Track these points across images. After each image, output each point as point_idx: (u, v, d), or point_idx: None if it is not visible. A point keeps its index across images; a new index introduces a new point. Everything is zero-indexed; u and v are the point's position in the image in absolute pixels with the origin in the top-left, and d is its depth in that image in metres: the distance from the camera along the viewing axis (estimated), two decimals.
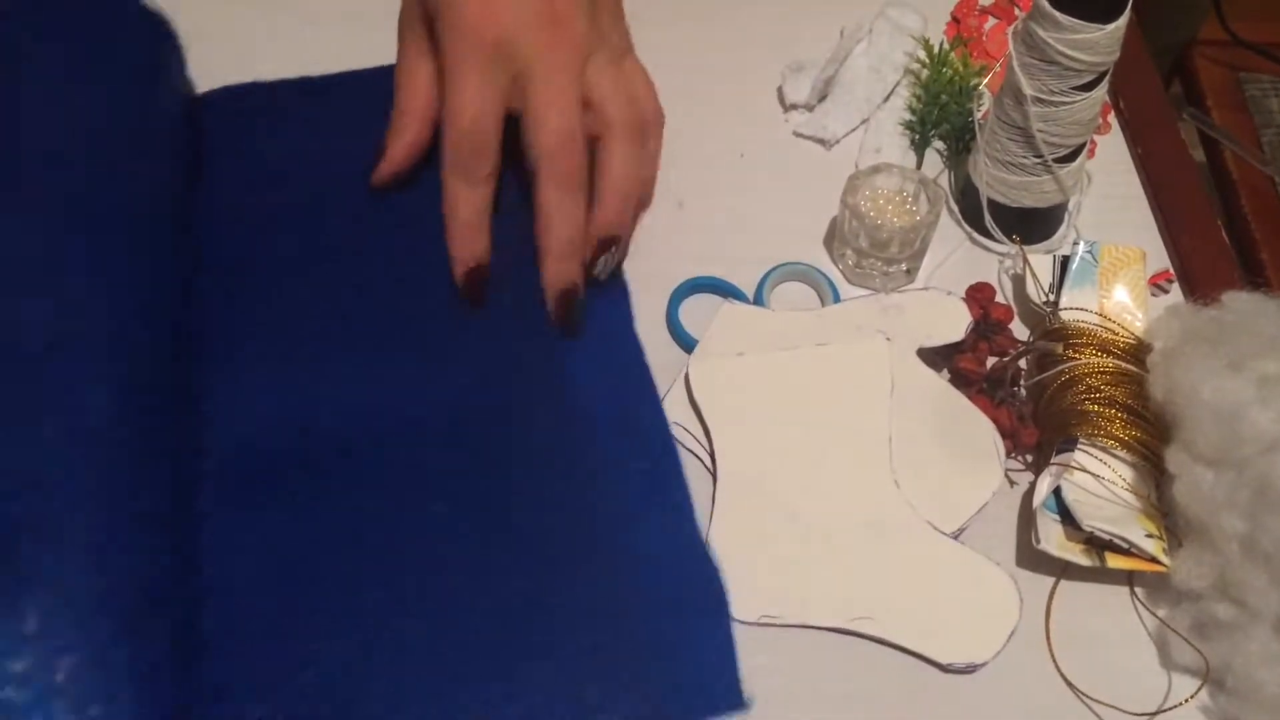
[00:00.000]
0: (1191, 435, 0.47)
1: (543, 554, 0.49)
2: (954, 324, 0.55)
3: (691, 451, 0.53)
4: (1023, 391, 0.55)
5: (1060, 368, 0.53)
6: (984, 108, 0.61)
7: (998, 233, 0.60)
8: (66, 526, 0.41)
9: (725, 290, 0.58)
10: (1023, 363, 0.55)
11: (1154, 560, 0.48)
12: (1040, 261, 0.57)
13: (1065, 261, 0.56)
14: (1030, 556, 0.50)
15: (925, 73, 0.66)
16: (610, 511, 0.50)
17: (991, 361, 0.56)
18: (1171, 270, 0.61)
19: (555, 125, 0.53)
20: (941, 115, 0.64)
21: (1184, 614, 0.48)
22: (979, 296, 0.57)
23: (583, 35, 0.54)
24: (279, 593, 0.47)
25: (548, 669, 0.46)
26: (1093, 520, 0.48)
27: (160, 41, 0.58)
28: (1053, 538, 0.49)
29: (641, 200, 0.59)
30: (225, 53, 0.64)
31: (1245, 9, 0.96)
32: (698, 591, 0.48)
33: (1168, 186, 0.64)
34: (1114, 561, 0.49)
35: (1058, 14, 0.51)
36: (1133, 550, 0.48)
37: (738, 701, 0.46)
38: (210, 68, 0.63)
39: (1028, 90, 0.54)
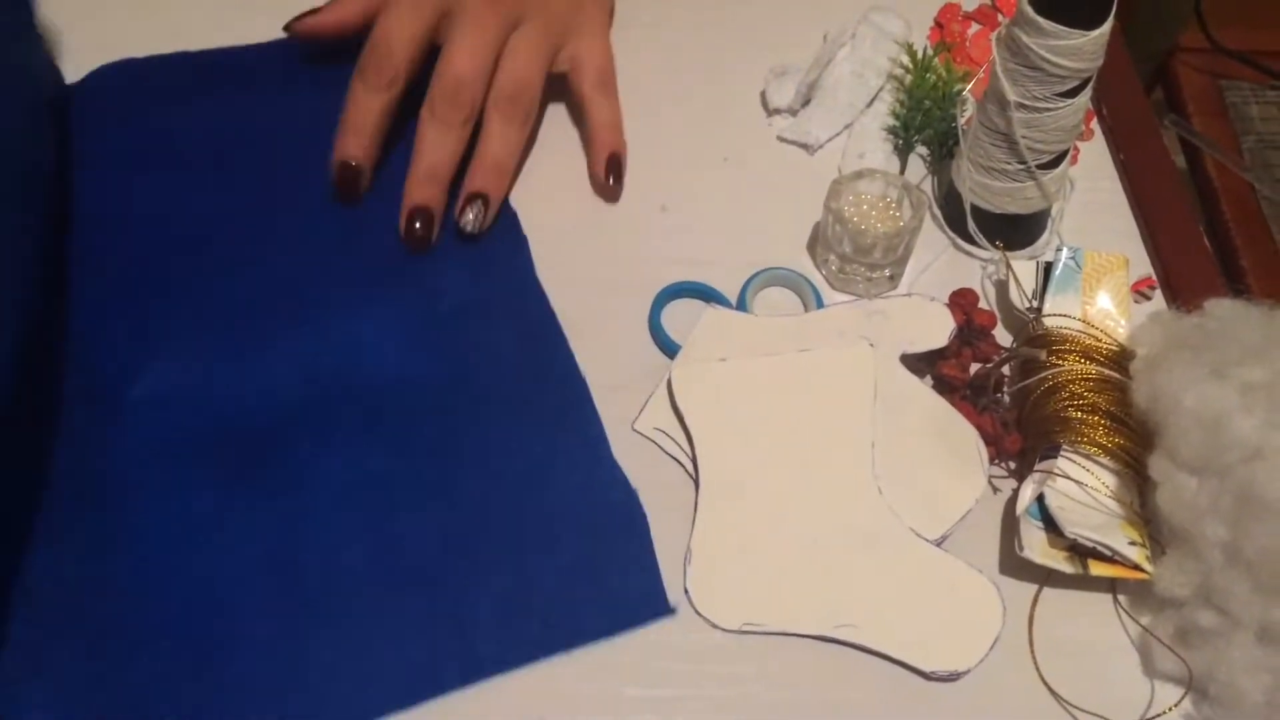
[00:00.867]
0: (1174, 442, 0.47)
1: (467, 497, 0.51)
2: (938, 330, 0.54)
3: (673, 457, 0.53)
4: (1006, 398, 0.55)
5: (1043, 374, 0.53)
6: (967, 113, 0.60)
7: (981, 239, 0.60)
8: None
9: (708, 295, 0.58)
10: (1006, 369, 0.55)
11: (1137, 568, 0.48)
12: (1023, 267, 0.57)
13: (1049, 267, 0.56)
14: (1013, 564, 0.50)
15: (909, 78, 0.65)
16: (527, 451, 0.52)
17: (975, 368, 0.55)
18: (1154, 277, 0.61)
19: (455, 70, 0.57)
20: (925, 121, 0.64)
21: (1167, 621, 0.48)
22: (962, 302, 0.57)
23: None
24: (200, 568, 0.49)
25: (483, 605, 0.48)
26: (1076, 527, 0.48)
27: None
28: (1036, 545, 0.49)
29: (515, 171, 0.61)
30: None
31: (1227, 16, 0.97)
32: (616, 515, 0.51)
33: (1150, 193, 0.64)
34: (1097, 569, 0.49)
35: (1042, 20, 0.51)
36: (1116, 557, 0.48)
37: (663, 608, 0.49)
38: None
39: (1011, 96, 0.54)
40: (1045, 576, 0.50)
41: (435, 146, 0.57)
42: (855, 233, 0.56)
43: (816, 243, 0.60)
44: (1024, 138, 0.55)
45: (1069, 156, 0.58)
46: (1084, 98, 0.55)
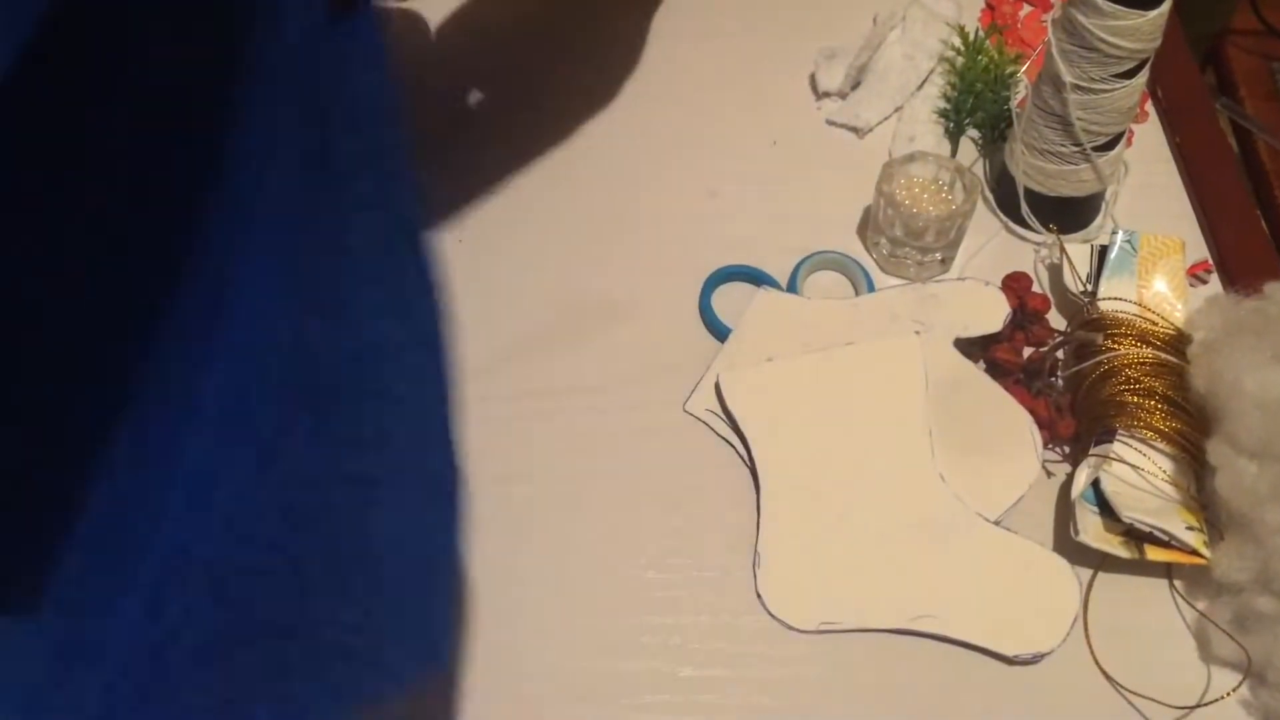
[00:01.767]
0: (1234, 427, 0.47)
1: None
2: (992, 314, 0.54)
3: (724, 439, 0.53)
4: (1060, 382, 0.54)
5: (1099, 358, 0.52)
6: (1020, 95, 0.60)
7: (1034, 222, 0.59)
8: None
9: (759, 278, 0.58)
10: (1060, 353, 0.55)
11: (1194, 553, 0.48)
12: (1077, 251, 0.57)
13: (1103, 251, 0.56)
14: (1068, 548, 0.50)
15: (960, 60, 0.65)
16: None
17: (1028, 351, 0.55)
18: (1210, 260, 0.60)
19: None
20: (977, 103, 0.63)
21: (1224, 607, 0.48)
22: (1015, 286, 0.57)
23: None
24: None
25: None
26: (1132, 512, 0.48)
27: None
28: (1091, 529, 0.49)
29: None
30: None
31: None
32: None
33: (1206, 176, 0.63)
34: (1153, 554, 0.48)
35: (1100, 0, 0.51)
36: (1172, 542, 0.48)
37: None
38: None
39: (1067, 78, 0.54)
40: (1100, 561, 0.50)
41: None
42: (907, 216, 0.55)
43: (867, 226, 0.60)
44: (1079, 119, 0.55)
45: (1124, 139, 0.58)
46: (1141, 79, 0.54)
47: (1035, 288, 0.58)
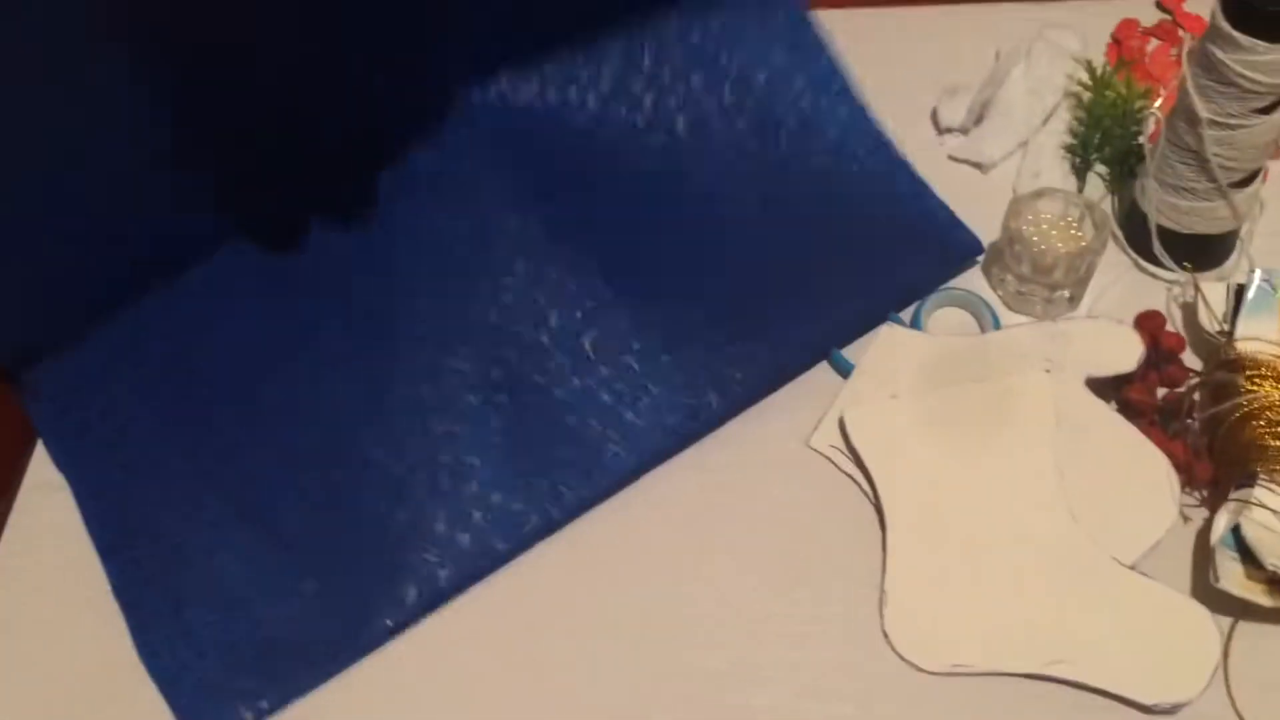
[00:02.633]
0: None
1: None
2: (1126, 354, 0.53)
3: (848, 475, 0.53)
4: (1196, 424, 0.53)
5: (1238, 400, 0.51)
6: (1150, 131, 0.59)
7: (1167, 259, 0.58)
8: None
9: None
10: (1195, 394, 0.54)
11: None
12: (1213, 290, 0.55)
13: (1240, 290, 0.54)
14: (1207, 596, 0.48)
15: (1087, 95, 0.64)
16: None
17: (1162, 392, 0.54)
18: None
19: None
20: (1104, 139, 0.62)
21: None
22: (1149, 325, 0.55)
23: None
24: None
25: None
26: (1276, 559, 0.46)
27: None
28: (1232, 576, 0.47)
29: None
30: None
31: None
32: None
33: None
34: None
35: (1238, 34, 0.50)
36: None
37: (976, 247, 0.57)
38: None
39: (1203, 113, 0.53)
40: (1241, 609, 0.48)
41: None
42: (1036, 253, 0.55)
43: (992, 262, 0.59)
44: (1215, 155, 0.54)
45: (1261, 175, 0.56)
46: (1279, 114, 0.53)
47: (1169, 326, 0.56)
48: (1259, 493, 0.49)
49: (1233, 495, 0.49)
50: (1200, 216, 0.56)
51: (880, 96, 0.67)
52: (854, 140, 0.60)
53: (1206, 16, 0.51)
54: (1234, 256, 0.60)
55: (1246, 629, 0.48)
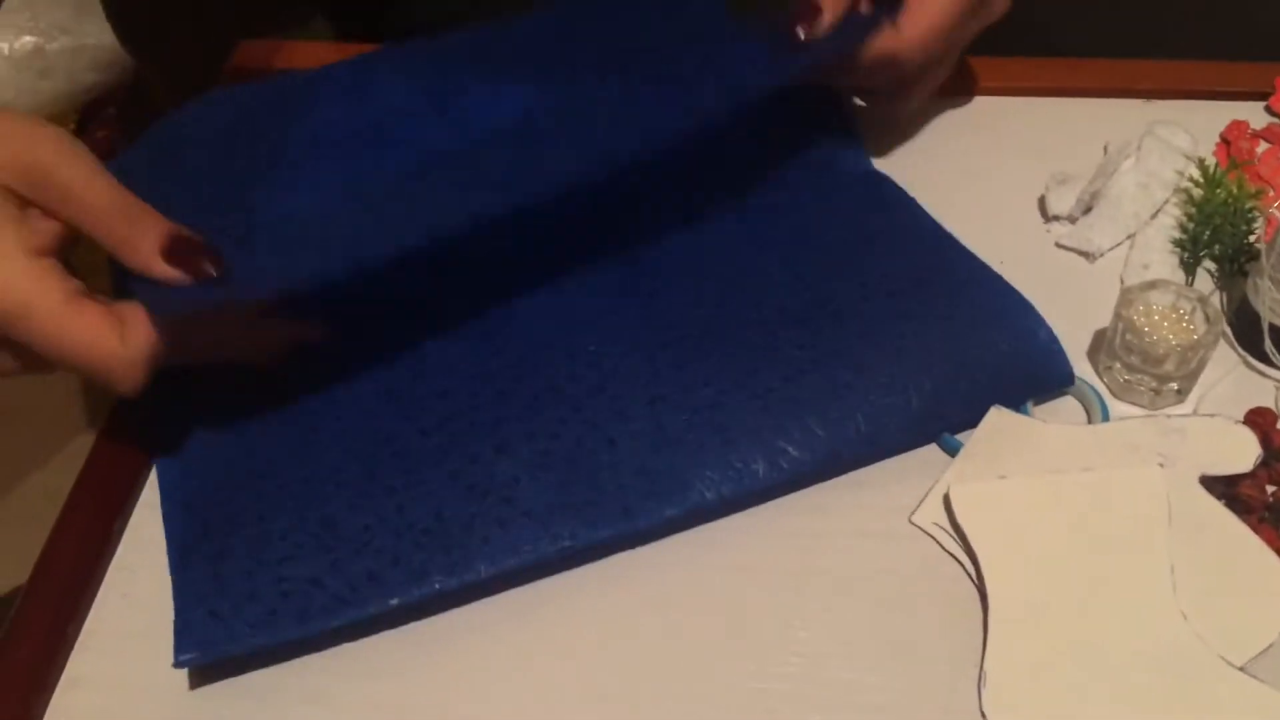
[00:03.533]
0: None
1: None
2: (1241, 453, 0.53)
3: (952, 555, 0.53)
4: None
5: None
6: (1263, 230, 0.59)
7: (1277, 357, 0.58)
8: None
9: None
10: None
11: None
12: None
13: None
14: None
15: (1197, 192, 0.65)
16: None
17: (1272, 490, 0.53)
18: None
19: None
20: (1214, 236, 0.63)
21: None
22: (1259, 422, 0.55)
23: None
24: None
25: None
26: None
27: None
28: None
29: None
30: None
31: None
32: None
33: None
34: None
35: None
36: None
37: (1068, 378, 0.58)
38: None
39: None
40: None
41: None
42: (1149, 343, 0.55)
43: (1099, 350, 0.59)
44: None
45: None
46: None
47: (1279, 425, 0.56)
48: None
49: None
50: None
51: (989, 183, 0.68)
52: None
53: None
54: None
55: None
